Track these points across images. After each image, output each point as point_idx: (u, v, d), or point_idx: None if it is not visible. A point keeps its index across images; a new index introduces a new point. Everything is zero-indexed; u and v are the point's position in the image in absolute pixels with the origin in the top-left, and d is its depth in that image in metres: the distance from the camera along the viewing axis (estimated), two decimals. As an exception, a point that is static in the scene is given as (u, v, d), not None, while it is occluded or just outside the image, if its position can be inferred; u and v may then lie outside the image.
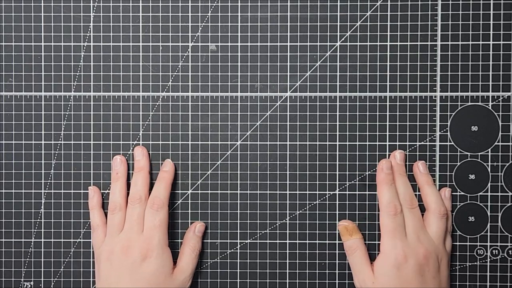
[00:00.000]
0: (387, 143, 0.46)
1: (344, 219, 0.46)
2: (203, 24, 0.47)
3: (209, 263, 0.47)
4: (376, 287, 0.42)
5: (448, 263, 0.44)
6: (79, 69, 0.47)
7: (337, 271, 0.47)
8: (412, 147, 0.46)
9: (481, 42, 0.46)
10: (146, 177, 0.46)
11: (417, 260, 0.42)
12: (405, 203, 0.44)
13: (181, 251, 0.46)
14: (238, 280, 0.47)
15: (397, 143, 0.46)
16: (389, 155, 0.46)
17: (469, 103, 0.46)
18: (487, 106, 0.46)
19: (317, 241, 0.47)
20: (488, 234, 0.46)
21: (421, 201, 0.46)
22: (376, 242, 0.47)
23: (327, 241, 0.47)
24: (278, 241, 0.47)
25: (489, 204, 0.46)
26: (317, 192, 0.47)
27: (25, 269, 0.48)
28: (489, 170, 0.46)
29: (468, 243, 0.47)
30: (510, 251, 0.47)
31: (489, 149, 0.46)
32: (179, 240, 0.47)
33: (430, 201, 0.45)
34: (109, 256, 0.44)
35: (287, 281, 0.47)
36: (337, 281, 0.47)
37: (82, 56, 0.47)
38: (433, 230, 0.44)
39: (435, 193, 0.45)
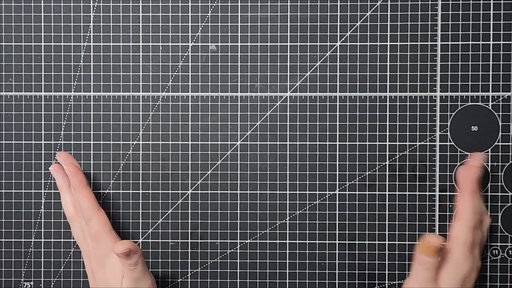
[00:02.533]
0: (387, 143, 0.46)
1: (433, 235, 0.43)
2: (203, 24, 0.47)
3: (209, 263, 0.47)
4: None
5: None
6: (79, 69, 0.47)
7: (337, 271, 0.47)
8: (412, 147, 0.46)
9: (481, 42, 0.46)
10: (67, 195, 0.45)
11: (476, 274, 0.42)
12: (469, 223, 0.42)
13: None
14: (238, 280, 0.47)
15: (397, 143, 0.46)
16: (389, 155, 0.46)
17: (469, 103, 0.46)
18: (487, 106, 0.46)
19: (317, 241, 0.47)
20: (488, 234, 0.46)
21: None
22: (376, 242, 0.47)
23: (327, 241, 0.47)
24: (278, 241, 0.47)
25: (489, 204, 0.46)
26: (317, 192, 0.47)
27: (25, 269, 0.48)
28: (489, 170, 0.46)
29: (468, 243, 0.47)
30: (510, 251, 0.47)
31: (489, 149, 0.46)
32: (179, 240, 0.47)
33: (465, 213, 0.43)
34: (86, 260, 0.45)
35: (287, 281, 0.47)
36: (337, 281, 0.47)
37: (82, 56, 0.47)
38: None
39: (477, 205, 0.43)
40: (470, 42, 0.46)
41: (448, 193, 0.46)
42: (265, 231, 0.47)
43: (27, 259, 0.48)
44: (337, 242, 0.47)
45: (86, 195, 0.44)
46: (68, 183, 0.45)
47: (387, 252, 0.46)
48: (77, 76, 0.47)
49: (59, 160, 0.46)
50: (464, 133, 0.46)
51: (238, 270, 0.47)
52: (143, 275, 0.42)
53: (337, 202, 0.47)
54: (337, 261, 0.47)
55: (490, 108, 0.46)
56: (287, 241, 0.47)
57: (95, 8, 0.47)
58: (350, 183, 0.47)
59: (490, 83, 0.46)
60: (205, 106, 0.47)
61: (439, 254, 0.40)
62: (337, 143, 0.47)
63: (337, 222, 0.47)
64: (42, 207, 0.47)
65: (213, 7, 0.47)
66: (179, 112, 0.47)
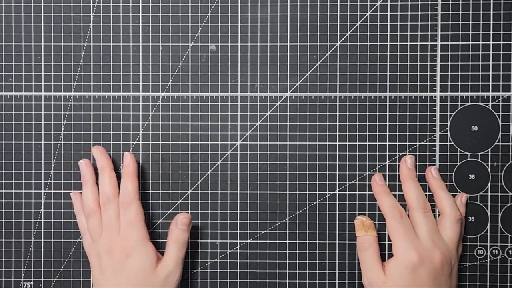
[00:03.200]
0: (387, 143, 0.46)
1: (362, 215, 0.46)
2: (203, 24, 0.47)
3: (209, 263, 0.47)
4: (387, 287, 0.42)
5: (457, 268, 0.44)
6: (79, 69, 0.47)
7: (337, 271, 0.47)
8: (412, 147, 0.46)
9: (481, 42, 0.46)
10: (110, 176, 0.45)
11: (432, 264, 0.42)
12: (418, 207, 0.44)
13: (166, 245, 0.45)
14: (238, 280, 0.47)
15: (397, 143, 0.46)
16: (389, 155, 0.46)
17: (469, 103, 0.46)
18: (487, 106, 0.46)
19: (317, 241, 0.47)
20: (488, 234, 0.46)
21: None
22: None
23: (327, 241, 0.47)
24: (278, 241, 0.47)
25: (489, 204, 0.46)
26: (317, 192, 0.47)
27: (25, 269, 0.48)
28: (489, 170, 0.46)
29: (468, 243, 0.47)
30: (510, 251, 0.47)
31: (489, 149, 0.46)
32: (179, 240, 0.47)
33: (445, 205, 0.44)
34: (97, 259, 0.44)
35: (287, 281, 0.47)
36: (337, 281, 0.47)
37: (82, 56, 0.47)
38: (448, 235, 0.44)
39: (449, 198, 0.45)
40: (470, 42, 0.46)
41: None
42: (265, 231, 0.47)
43: (27, 259, 0.48)
44: (337, 242, 0.47)
45: (135, 184, 0.45)
46: (94, 179, 0.46)
47: (387, 252, 0.46)
48: (77, 76, 0.47)
49: (94, 152, 0.46)
50: (464, 133, 0.46)
51: (238, 270, 0.47)
52: (183, 257, 0.45)
53: (337, 202, 0.47)
54: (337, 261, 0.47)
55: (490, 108, 0.46)
56: (287, 241, 0.47)
57: (95, 8, 0.47)
58: (350, 183, 0.47)
59: (490, 83, 0.46)
60: (205, 106, 0.47)
61: (373, 230, 0.45)
62: (337, 143, 0.47)
63: (337, 222, 0.47)
64: (42, 207, 0.47)
65: (213, 7, 0.47)
66: (179, 112, 0.47)
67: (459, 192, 0.46)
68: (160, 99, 0.47)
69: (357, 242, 0.45)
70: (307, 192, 0.47)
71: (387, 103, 0.46)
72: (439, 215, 0.45)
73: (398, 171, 0.46)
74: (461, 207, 0.45)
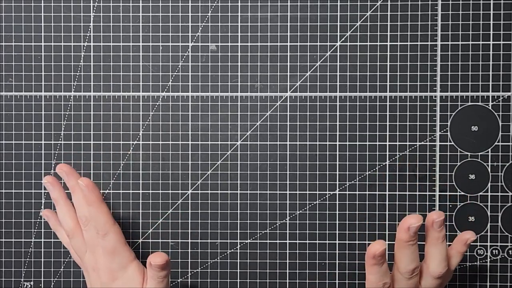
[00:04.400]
0: (387, 143, 0.46)
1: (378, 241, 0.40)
2: (203, 24, 0.47)
3: (209, 263, 0.47)
4: None
5: None
6: (79, 69, 0.47)
7: (337, 271, 0.47)
8: (412, 147, 0.46)
9: (481, 42, 0.46)
10: (64, 208, 0.44)
11: None
12: (405, 274, 0.40)
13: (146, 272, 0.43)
14: (238, 280, 0.47)
15: (397, 143, 0.46)
16: (389, 155, 0.46)
17: (469, 103, 0.46)
18: (487, 106, 0.46)
19: (317, 241, 0.47)
20: (488, 234, 0.46)
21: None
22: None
23: (327, 241, 0.47)
24: (278, 241, 0.47)
25: (489, 204, 0.46)
26: (317, 192, 0.47)
27: (25, 269, 0.48)
28: (489, 170, 0.46)
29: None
30: (510, 251, 0.47)
31: (489, 149, 0.46)
32: (179, 240, 0.47)
33: (432, 261, 0.41)
34: (86, 273, 0.45)
35: (287, 281, 0.47)
36: (337, 281, 0.47)
37: (82, 56, 0.47)
38: (426, 286, 0.42)
39: (440, 254, 0.41)
40: (470, 42, 0.46)
41: (448, 193, 0.46)
42: (265, 231, 0.47)
43: (27, 259, 0.48)
44: (337, 242, 0.47)
45: (104, 210, 0.43)
46: (64, 195, 0.45)
47: (387, 252, 0.46)
48: (77, 76, 0.47)
49: (60, 173, 0.45)
50: (464, 133, 0.46)
51: (238, 270, 0.47)
52: (167, 286, 0.43)
53: (337, 202, 0.47)
54: (337, 261, 0.47)
55: (490, 108, 0.46)
56: (287, 241, 0.47)
57: (95, 8, 0.47)
58: (350, 183, 0.47)
59: (490, 83, 0.46)
60: (205, 106, 0.47)
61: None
62: (337, 143, 0.47)
63: (337, 222, 0.47)
64: (42, 207, 0.47)
65: (213, 7, 0.47)
66: (179, 112, 0.47)
67: (459, 192, 0.46)
68: (160, 99, 0.47)
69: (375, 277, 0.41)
70: (307, 192, 0.47)
71: (387, 103, 0.46)
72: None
73: (395, 233, 0.41)
74: (463, 248, 0.42)
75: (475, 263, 0.47)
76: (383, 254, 0.39)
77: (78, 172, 0.47)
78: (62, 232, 0.46)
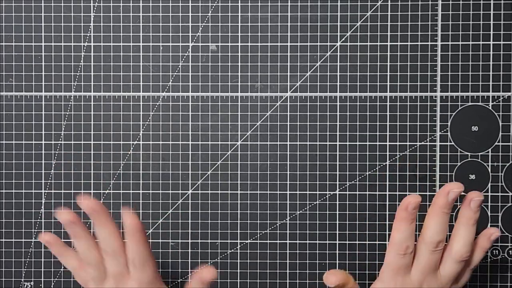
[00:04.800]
0: (387, 143, 0.46)
1: (330, 272, 0.41)
2: (204, 24, 0.47)
3: (209, 263, 0.47)
4: None
5: None
6: (79, 69, 0.47)
7: (337, 271, 0.47)
8: (412, 147, 0.46)
9: (481, 42, 0.46)
10: (111, 229, 0.40)
11: None
12: (430, 245, 0.39)
13: None
14: (238, 280, 0.47)
15: (397, 143, 0.46)
16: (389, 155, 0.46)
17: (470, 103, 0.46)
18: (487, 106, 0.46)
19: (317, 241, 0.47)
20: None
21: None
22: (377, 242, 0.47)
23: (327, 241, 0.47)
24: (278, 241, 0.47)
25: (489, 204, 0.46)
26: (317, 192, 0.47)
27: (25, 269, 0.48)
28: (489, 170, 0.46)
29: (468, 243, 0.47)
30: (510, 251, 0.46)
31: (490, 149, 0.46)
32: (179, 240, 0.47)
33: (457, 242, 0.40)
34: None
35: (287, 281, 0.47)
36: (337, 281, 0.47)
37: (83, 56, 0.47)
38: (446, 272, 0.40)
39: (466, 236, 0.40)
40: (470, 42, 0.46)
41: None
42: (265, 231, 0.47)
43: (28, 259, 0.48)
44: (337, 242, 0.47)
45: (146, 241, 0.40)
46: (86, 228, 0.41)
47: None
48: (77, 76, 0.47)
49: (88, 210, 0.39)
50: (465, 133, 0.46)
51: (238, 270, 0.47)
52: None
53: (337, 202, 0.47)
54: (337, 261, 0.47)
55: (490, 108, 0.46)
56: (287, 241, 0.47)
57: (95, 8, 0.47)
58: (350, 183, 0.47)
59: (490, 83, 0.46)
60: (205, 106, 0.47)
61: (348, 281, 0.40)
62: (337, 143, 0.47)
63: (337, 222, 0.47)
64: (42, 207, 0.47)
65: (213, 7, 0.47)
66: (179, 112, 0.47)
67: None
68: (161, 99, 0.47)
69: None
70: (307, 192, 0.47)
71: (387, 103, 0.46)
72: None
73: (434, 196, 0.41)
74: (487, 243, 0.41)
75: (475, 263, 0.47)
76: (417, 207, 0.39)
77: (79, 172, 0.47)
78: (69, 257, 0.42)
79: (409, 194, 0.39)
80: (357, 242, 0.47)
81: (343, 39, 0.46)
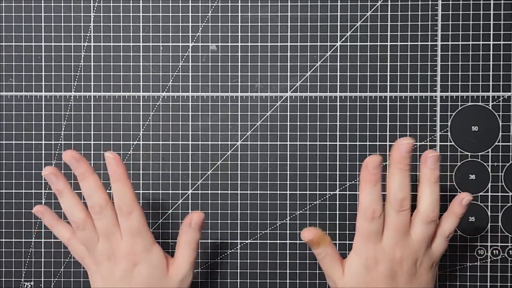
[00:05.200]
0: (387, 143, 0.46)
1: (307, 228, 0.42)
2: (204, 24, 0.47)
3: (209, 263, 0.47)
4: (343, 286, 0.41)
5: (432, 267, 0.41)
6: (79, 69, 0.47)
7: (337, 271, 0.47)
8: (412, 147, 0.46)
9: (481, 42, 0.46)
10: (95, 181, 0.40)
11: (389, 264, 0.39)
12: (394, 204, 0.39)
13: (176, 245, 0.42)
14: (238, 280, 0.47)
15: (398, 143, 0.46)
16: (389, 155, 0.46)
17: (470, 103, 0.46)
18: (487, 106, 0.46)
19: (317, 241, 0.47)
20: (489, 234, 0.46)
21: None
22: (377, 242, 0.47)
23: (327, 241, 0.47)
24: (278, 241, 0.47)
25: (489, 204, 0.46)
26: (317, 192, 0.47)
27: (25, 269, 0.48)
28: (489, 170, 0.46)
29: (468, 243, 0.47)
30: (510, 251, 0.46)
31: (490, 149, 0.46)
32: (179, 240, 0.47)
33: (423, 202, 0.40)
34: (96, 267, 0.41)
35: (287, 281, 0.47)
36: (337, 281, 0.47)
37: (83, 56, 0.47)
38: (416, 234, 0.40)
39: (431, 195, 0.40)
40: (470, 42, 0.46)
41: (448, 193, 0.46)
42: (265, 231, 0.47)
43: (28, 259, 0.48)
44: (337, 242, 0.47)
45: (130, 187, 0.40)
46: (69, 186, 0.41)
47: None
48: (77, 76, 0.47)
49: (69, 160, 0.41)
50: (465, 133, 0.46)
51: (238, 270, 0.47)
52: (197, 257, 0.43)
53: (337, 202, 0.47)
54: (337, 261, 0.47)
55: (490, 108, 0.46)
56: (287, 241, 0.47)
57: (95, 8, 0.47)
58: (350, 183, 0.47)
59: (490, 83, 0.46)
60: (205, 106, 0.47)
61: (324, 239, 0.41)
62: (337, 143, 0.47)
63: (337, 222, 0.47)
64: (42, 207, 0.47)
65: (213, 7, 0.47)
66: (179, 112, 0.47)
67: (459, 192, 0.46)
68: (161, 99, 0.47)
69: (315, 254, 0.42)
70: (307, 192, 0.47)
71: (387, 103, 0.46)
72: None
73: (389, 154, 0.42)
74: (459, 208, 0.41)
75: (476, 263, 0.47)
76: (377, 166, 0.39)
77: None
78: (60, 228, 0.42)
79: (369, 156, 0.39)
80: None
81: (343, 39, 0.46)
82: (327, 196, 0.47)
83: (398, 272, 0.39)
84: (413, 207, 0.41)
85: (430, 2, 0.46)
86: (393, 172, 0.40)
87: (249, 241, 0.47)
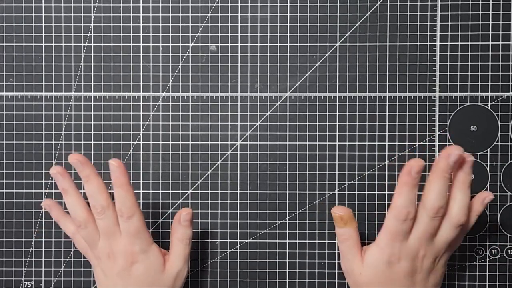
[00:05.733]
0: (387, 143, 0.46)
1: (339, 206, 0.44)
2: (203, 24, 0.47)
3: (209, 263, 0.47)
4: (363, 279, 0.41)
5: (446, 261, 0.43)
6: (79, 69, 0.47)
7: (337, 271, 0.47)
8: (412, 147, 0.46)
9: (480, 43, 0.46)
10: (99, 184, 0.42)
11: (411, 262, 0.40)
12: (430, 210, 0.40)
13: (170, 243, 0.44)
14: (238, 280, 0.47)
15: (397, 143, 0.47)
16: (389, 155, 0.46)
17: (468, 103, 0.46)
18: (486, 106, 0.46)
19: (317, 241, 0.47)
20: (487, 233, 0.47)
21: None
22: (376, 241, 0.47)
23: (327, 241, 0.47)
24: (278, 241, 0.47)
25: (488, 204, 0.46)
26: (317, 192, 0.47)
27: (25, 269, 0.48)
28: (488, 170, 0.46)
29: (467, 243, 0.47)
30: (509, 251, 0.47)
31: (488, 149, 0.46)
32: (179, 240, 0.47)
33: (453, 207, 0.40)
34: (97, 262, 0.43)
35: (287, 281, 0.47)
36: (337, 281, 0.47)
37: (83, 56, 0.47)
38: (442, 237, 0.41)
39: (462, 200, 0.40)
40: (469, 43, 0.46)
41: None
42: (265, 230, 0.47)
43: (28, 259, 0.48)
44: (337, 242, 0.47)
45: (132, 192, 0.42)
46: (74, 185, 0.43)
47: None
48: (77, 77, 0.47)
49: (74, 163, 0.42)
50: (463, 133, 0.46)
51: (238, 270, 0.47)
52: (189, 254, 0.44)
53: (336, 202, 0.47)
54: (337, 261, 0.47)
55: (489, 108, 0.46)
56: (287, 241, 0.47)
57: (95, 9, 0.47)
58: (349, 183, 0.47)
59: (489, 83, 0.46)
60: (205, 106, 0.47)
61: (352, 222, 0.42)
62: (337, 143, 0.47)
63: (336, 221, 0.47)
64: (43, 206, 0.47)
65: (213, 7, 0.47)
66: (179, 112, 0.47)
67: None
68: (161, 99, 0.47)
69: (336, 233, 0.43)
70: (307, 192, 0.47)
71: (387, 103, 0.47)
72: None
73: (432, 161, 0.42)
74: (481, 207, 0.41)
75: (474, 263, 0.47)
76: (420, 171, 0.39)
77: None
78: (66, 222, 0.44)
79: (411, 159, 0.40)
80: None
81: (343, 39, 0.47)
82: (327, 196, 0.47)
83: (418, 269, 0.41)
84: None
85: (429, 3, 0.46)
86: (435, 179, 0.40)
87: (248, 240, 0.47)
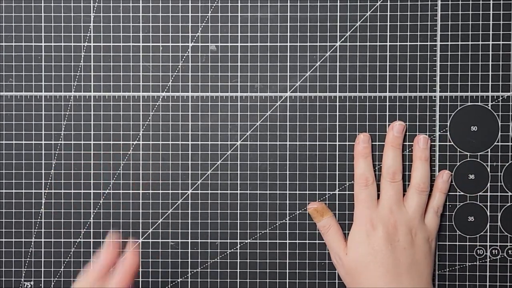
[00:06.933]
0: (387, 143, 0.46)
1: (312, 202, 0.46)
2: (203, 24, 0.47)
3: (209, 263, 0.47)
4: (348, 259, 0.44)
5: (428, 241, 0.44)
6: (79, 69, 0.47)
7: (337, 271, 0.47)
8: (412, 147, 0.46)
9: (480, 42, 0.46)
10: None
11: (385, 228, 0.43)
12: (387, 176, 0.45)
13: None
14: (238, 280, 0.47)
15: (397, 143, 0.46)
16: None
17: (469, 103, 0.46)
18: (486, 106, 0.46)
19: (317, 241, 0.47)
20: (488, 234, 0.47)
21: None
22: (376, 242, 0.47)
23: (327, 241, 0.47)
24: (278, 241, 0.47)
25: (488, 204, 0.46)
26: (317, 192, 0.47)
27: (25, 269, 0.48)
28: (488, 170, 0.46)
29: (467, 243, 0.47)
30: (509, 251, 0.47)
31: (489, 149, 0.46)
32: (179, 240, 0.47)
33: (414, 175, 0.45)
34: None
35: (287, 281, 0.47)
36: (337, 281, 0.47)
37: (83, 56, 0.47)
38: (410, 204, 0.44)
39: (422, 169, 0.45)
40: (470, 42, 0.46)
41: (447, 193, 0.46)
42: (265, 231, 0.47)
43: (28, 259, 0.48)
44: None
45: (132, 281, 0.41)
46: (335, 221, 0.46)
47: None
48: (77, 76, 0.47)
49: (128, 261, 0.41)
50: (464, 133, 0.46)
51: (238, 270, 0.47)
52: None
53: (336, 202, 0.47)
54: (337, 261, 0.47)
55: (489, 108, 0.46)
56: (287, 241, 0.47)
57: (95, 8, 0.47)
58: (349, 183, 0.47)
59: (490, 83, 0.46)
60: (205, 106, 0.47)
61: (327, 211, 0.46)
62: (337, 143, 0.47)
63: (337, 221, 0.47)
64: (42, 207, 0.47)
65: (213, 7, 0.47)
66: (179, 112, 0.47)
67: (459, 192, 0.46)
68: (160, 99, 0.47)
69: (318, 227, 0.46)
70: (307, 192, 0.47)
71: (387, 103, 0.46)
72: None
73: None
74: (443, 184, 0.46)
75: (475, 263, 0.47)
76: (366, 141, 0.46)
77: (79, 172, 0.47)
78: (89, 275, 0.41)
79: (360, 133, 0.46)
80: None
81: (343, 39, 0.46)
82: (327, 196, 0.47)
83: (394, 237, 0.43)
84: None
85: (429, 2, 0.46)
86: (387, 149, 0.46)
87: (249, 241, 0.47)
